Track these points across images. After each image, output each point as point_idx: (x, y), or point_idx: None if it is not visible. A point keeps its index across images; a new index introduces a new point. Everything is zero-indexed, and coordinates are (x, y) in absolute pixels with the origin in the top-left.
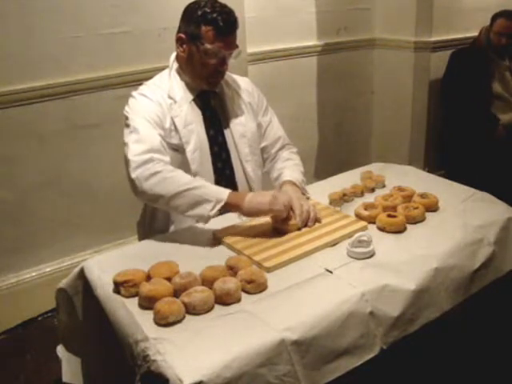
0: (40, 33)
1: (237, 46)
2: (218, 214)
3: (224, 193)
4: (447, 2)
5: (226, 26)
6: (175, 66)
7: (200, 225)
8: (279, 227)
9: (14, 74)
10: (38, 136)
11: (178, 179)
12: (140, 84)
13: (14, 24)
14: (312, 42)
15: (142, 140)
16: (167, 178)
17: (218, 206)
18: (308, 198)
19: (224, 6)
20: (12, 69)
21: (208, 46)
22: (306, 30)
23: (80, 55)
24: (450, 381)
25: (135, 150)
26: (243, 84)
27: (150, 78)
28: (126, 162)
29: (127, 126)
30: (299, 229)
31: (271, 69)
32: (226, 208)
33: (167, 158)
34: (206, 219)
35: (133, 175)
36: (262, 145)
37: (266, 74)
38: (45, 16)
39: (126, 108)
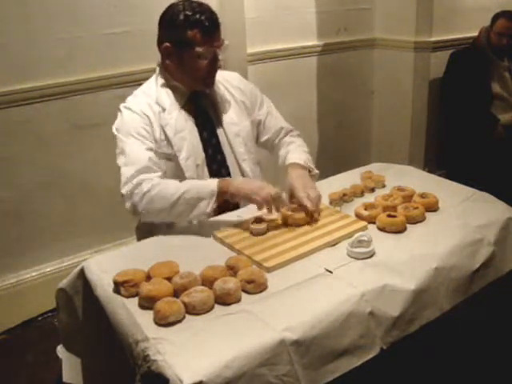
0: (40, 33)
1: (223, 40)
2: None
3: (212, 185)
4: (447, 2)
5: (211, 24)
6: (161, 75)
7: (200, 225)
8: (289, 221)
9: (14, 74)
10: (37, 136)
11: (166, 191)
12: (140, 84)
13: (14, 24)
14: (312, 41)
15: (129, 162)
16: (156, 195)
17: (213, 201)
18: (316, 175)
19: (201, 4)
20: (12, 69)
21: (199, 48)
22: (306, 30)
23: (80, 55)
24: (450, 381)
25: (125, 174)
26: (234, 81)
27: (150, 78)
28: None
29: (117, 146)
30: (308, 223)
31: (271, 69)
32: (219, 197)
33: (157, 174)
34: (207, 216)
35: (127, 206)
36: (265, 138)
37: (266, 73)
38: (45, 16)
39: (115, 124)
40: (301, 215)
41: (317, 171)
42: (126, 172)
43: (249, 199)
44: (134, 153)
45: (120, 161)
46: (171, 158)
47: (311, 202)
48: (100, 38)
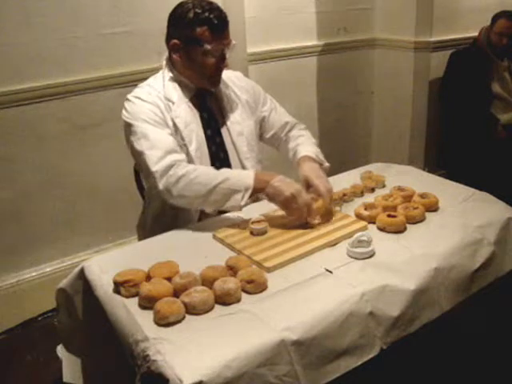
0: (40, 33)
1: (231, 40)
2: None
3: (249, 178)
4: (447, 2)
5: (220, 22)
6: (168, 70)
7: (200, 225)
8: (307, 219)
9: (14, 74)
10: (37, 136)
11: (203, 178)
12: None
13: (14, 24)
14: (312, 41)
15: (154, 145)
16: (192, 180)
17: (247, 195)
18: (327, 168)
19: (210, 3)
20: (12, 69)
21: (207, 46)
22: (306, 30)
23: (80, 55)
24: (450, 381)
25: (152, 157)
26: (238, 81)
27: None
28: (148, 173)
29: (134, 133)
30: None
31: (271, 69)
32: (255, 193)
33: (183, 155)
34: (240, 208)
35: (160, 186)
36: (270, 133)
37: (266, 74)
38: (45, 16)
39: (125, 113)
40: (319, 203)
41: (328, 164)
42: (153, 154)
43: (285, 205)
44: (157, 136)
45: (142, 145)
46: (182, 148)
47: (328, 194)
48: (100, 37)
